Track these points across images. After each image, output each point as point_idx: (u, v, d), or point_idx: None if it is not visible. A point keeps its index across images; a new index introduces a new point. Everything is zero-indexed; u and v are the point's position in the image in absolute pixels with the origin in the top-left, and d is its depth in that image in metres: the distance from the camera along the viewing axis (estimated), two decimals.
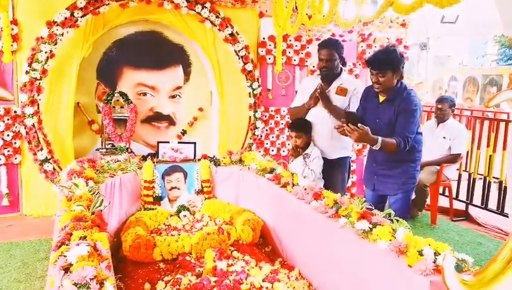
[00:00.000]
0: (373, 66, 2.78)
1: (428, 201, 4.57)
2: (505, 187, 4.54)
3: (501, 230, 4.32)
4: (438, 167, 4.41)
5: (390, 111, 2.80)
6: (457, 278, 1.39)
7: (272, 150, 5.22)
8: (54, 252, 1.68)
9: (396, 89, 2.79)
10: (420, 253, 1.71)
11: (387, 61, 2.73)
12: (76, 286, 1.37)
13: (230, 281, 2.32)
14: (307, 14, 3.50)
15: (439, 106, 4.51)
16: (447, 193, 4.80)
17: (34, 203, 4.23)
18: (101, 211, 2.18)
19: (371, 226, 2.04)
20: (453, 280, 1.38)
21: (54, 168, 4.13)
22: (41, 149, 4.07)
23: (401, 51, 5.44)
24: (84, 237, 1.74)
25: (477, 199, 4.74)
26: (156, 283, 2.42)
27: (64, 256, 1.56)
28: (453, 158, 4.45)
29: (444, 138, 4.46)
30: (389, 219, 2.07)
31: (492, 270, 1.35)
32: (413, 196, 4.53)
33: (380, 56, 2.79)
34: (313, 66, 5.13)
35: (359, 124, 2.67)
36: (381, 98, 2.87)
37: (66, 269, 1.49)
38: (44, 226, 3.92)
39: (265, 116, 5.14)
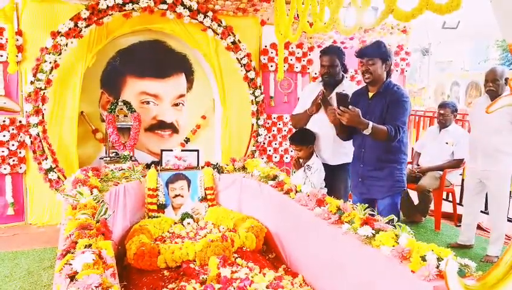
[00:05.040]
0: (363, 54, 2.82)
1: (432, 206, 4.56)
2: (510, 192, 4.51)
3: (505, 235, 4.29)
4: (441, 173, 4.40)
5: (381, 105, 2.81)
6: (460, 283, 1.39)
7: (275, 157, 5.24)
8: (60, 261, 1.69)
9: (386, 84, 2.84)
10: (423, 258, 1.71)
11: (376, 50, 2.79)
12: None
13: (234, 288, 2.33)
14: (308, 21, 3.53)
15: (442, 112, 4.51)
16: (450, 198, 4.78)
17: (38, 212, 4.25)
18: (106, 219, 2.20)
19: (373, 231, 2.04)
20: (456, 285, 1.38)
21: (58, 177, 4.15)
22: (46, 158, 4.10)
23: (402, 57, 5.52)
24: (89, 245, 1.76)
25: None
26: None
27: (70, 264, 1.57)
28: (456, 163, 4.45)
29: (447, 143, 4.46)
30: (392, 225, 2.08)
31: (495, 275, 1.35)
32: (417, 202, 4.56)
33: (369, 46, 2.88)
34: (315, 73, 5.16)
35: (350, 106, 2.64)
36: (371, 94, 2.89)
37: (72, 277, 1.51)
38: (49, 234, 3.95)
39: (268, 124, 5.16)
